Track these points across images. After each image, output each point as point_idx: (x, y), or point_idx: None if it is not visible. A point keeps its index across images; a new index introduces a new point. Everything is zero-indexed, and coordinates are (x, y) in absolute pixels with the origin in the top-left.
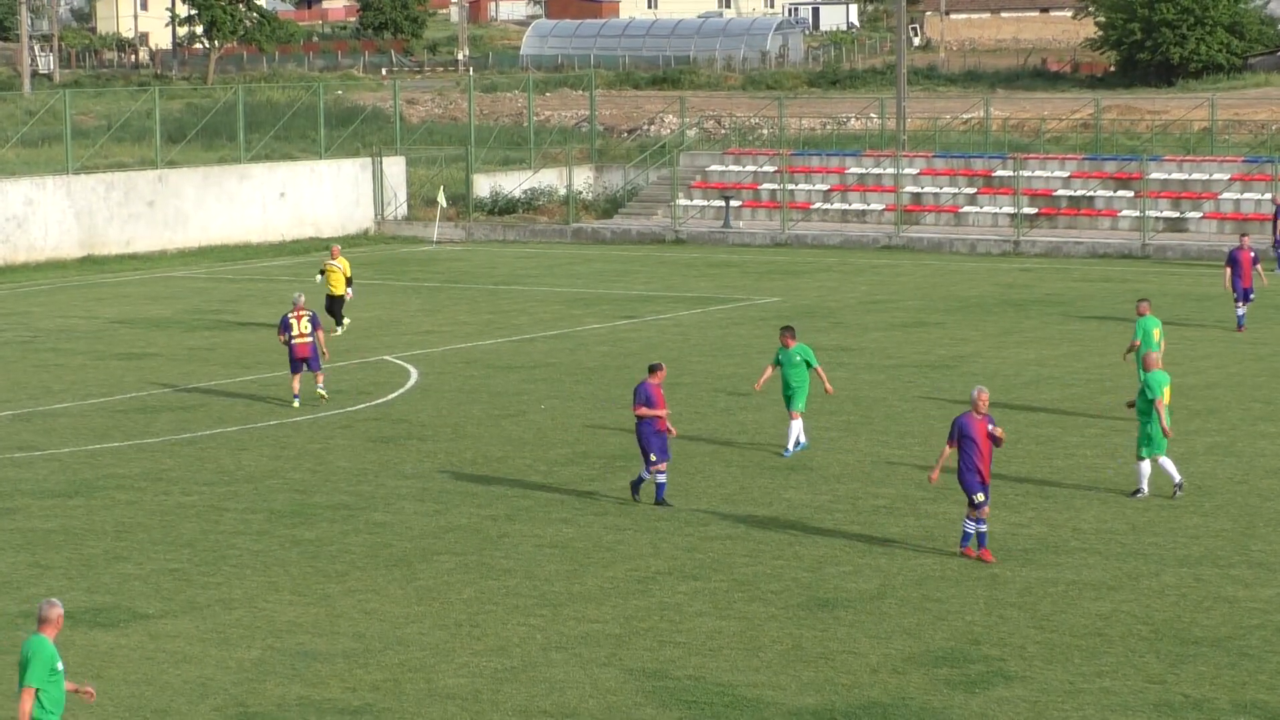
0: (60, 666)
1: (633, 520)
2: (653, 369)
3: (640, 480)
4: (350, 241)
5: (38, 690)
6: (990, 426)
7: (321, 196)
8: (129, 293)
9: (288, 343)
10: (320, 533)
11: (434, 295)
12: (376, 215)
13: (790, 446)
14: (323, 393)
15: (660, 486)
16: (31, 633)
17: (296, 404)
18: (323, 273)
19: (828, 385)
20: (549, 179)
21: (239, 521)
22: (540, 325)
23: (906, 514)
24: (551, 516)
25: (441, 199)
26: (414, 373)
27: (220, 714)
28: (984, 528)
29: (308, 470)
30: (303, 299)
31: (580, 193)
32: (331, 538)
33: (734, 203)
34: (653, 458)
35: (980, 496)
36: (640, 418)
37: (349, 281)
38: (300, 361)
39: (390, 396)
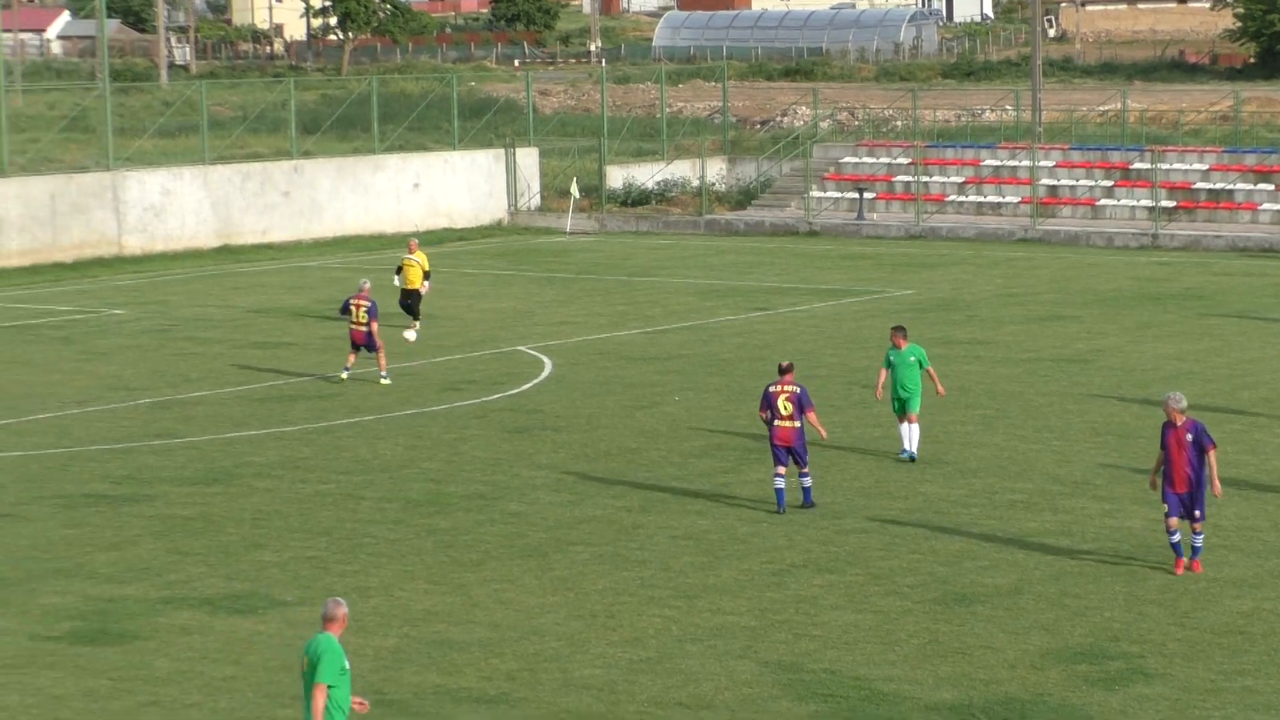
0: (348, 666)
1: (767, 513)
2: (787, 369)
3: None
4: (483, 233)
5: (330, 687)
6: (1190, 436)
7: (455, 187)
8: (265, 282)
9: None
10: (455, 522)
11: (567, 286)
12: (510, 206)
13: (911, 446)
14: (385, 380)
15: (805, 492)
16: (316, 632)
17: (344, 375)
18: (399, 270)
19: (939, 387)
20: (682, 170)
21: (375, 510)
22: (673, 317)
23: (1044, 509)
24: (686, 508)
25: (575, 190)
26: (548, 363)
27: None
28: (1198, 541)
29: (443, 460)
30: (368, 286)
31: (713, 184)
32: (467, 527)
33: (868, 195)
34: (781, 471)
35: (1166, 508)
36: (778, 427)
37: (427, 275)
38: (355, 345)
39: (524, 387)
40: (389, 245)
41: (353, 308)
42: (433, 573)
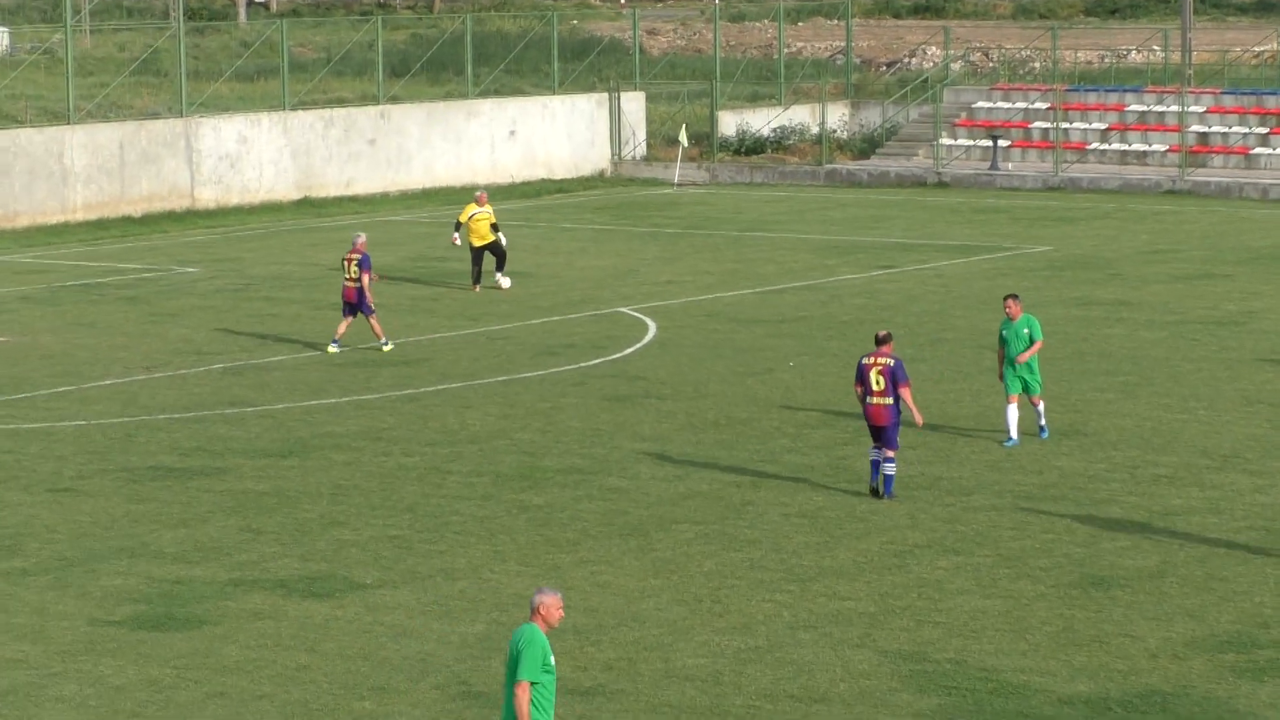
0: (553, 661)
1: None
2: (884, 339)
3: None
4: (584, 184)
5: (532, 684)
6: None
7: (554, 135)
8: (348, 238)
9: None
10: (550, 498)
11: (674, 242)
12: (613, 155)
13: (1042, 421)
14: (388, 347)
15: (886, 480)
16: (523, 621)
17: (332, 349)
18: (458, 226)
19: (1026, 356)
20: (800, 116)
21: (463, 485)
22: (789, 275)
23: (1190, 484)
24: (800, 484)
25: (683, 138)
26: (651, 326)
27: (442, 692)
28: None
29: (537, 430)
30: (362, 239)
31: (834, 131)
32: (562, 504)
33: (1002, 143)
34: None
35: None
36: (869, 404)
37: (495, 228)
38: (349, 305)
39: (626, 351)
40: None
41: (345, 263)
42: (524, 553)
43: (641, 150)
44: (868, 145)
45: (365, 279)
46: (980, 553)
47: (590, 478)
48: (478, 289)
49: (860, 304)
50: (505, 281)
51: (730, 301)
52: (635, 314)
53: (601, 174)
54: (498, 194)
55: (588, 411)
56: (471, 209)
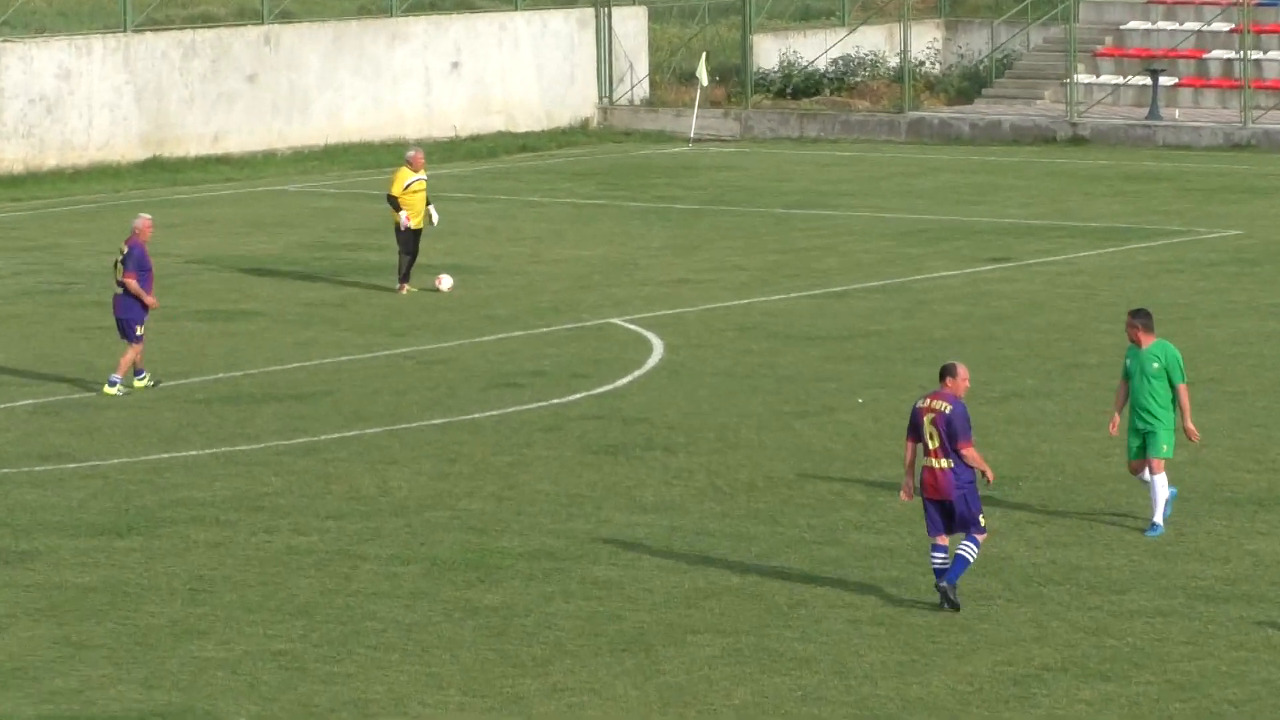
0: None
1: (1003, 581)
2: (945, 372)
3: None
4: (559, 139)
5: None
6: None
7: (516, 69)
8: (216, 216)
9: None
10: (508, 596)
11: (689, 223)
12: (601, 98)
13: (1158, 517)
14: (114, 388)
15: (956, 561)
16: None
17: (113, 389)
18: (395, 201)
19: (1189, 424)
20: (872, 42)
21: (382, 578)
22: (856, 272)
23: None
24: (874, 574)
25: (703, 73)
26: (657, 345)
27: None
28: None
29: (490, 497)
30: (143, 222)
31: (922, 64)
32: (526, 605)
33: (1165, 80)
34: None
35: None
36: (926, 467)
37: (426, 201)
38: (120, 324)
39: (620, 382)
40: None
41: (117, 263)
42: (472, 678)
43: (643, 91)
44: (970, 84)
45: (132, 282)
46: (1140, 678)
47: (567, 566)
48: (405, 289)
49: (960, 313)
50: (446, 281)
51: (771, 309)
52: (633, 327)
53: (585, 125)
54: (434, 155)
55: (564, 469)
56: (404, 175)
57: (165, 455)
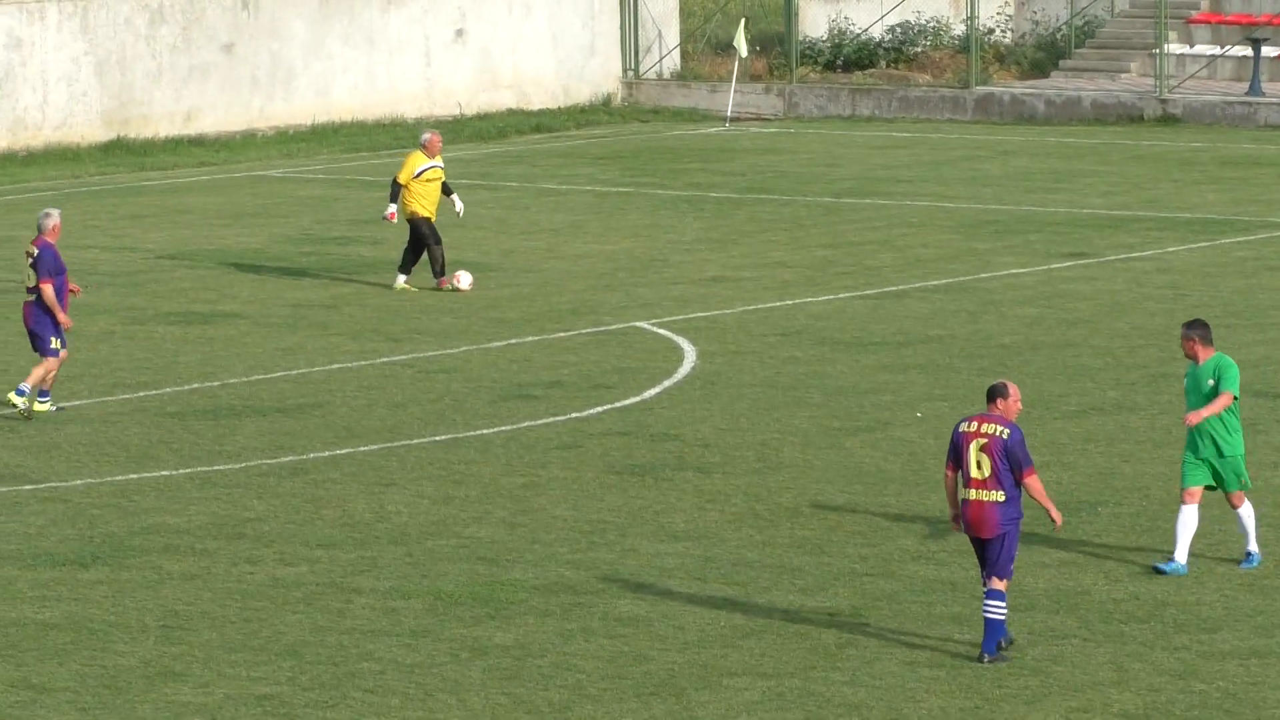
0: None
1: (1080, 618)
2: (995, 392)
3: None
4: (578, 117)
5: None
6: None
7: (529, 38)
8: (189, 205)
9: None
10: (522, 635)
11: (725, 214)
12: (626, 71)
13: (1252, 545)
14: (19, 406)
15: (987, 630)
16: None
17: (15, 402)
18: (396, 190)
19: (1195, 418)
20: (934, 7)
21: (380, 613)
22: (916, 269)
23: None
24: (934, 611)
25: (741, 42)
26: (689, 352)
27: None
28: None
29: (501, 522)
30: (51, 220)
31: (991, 32)
32: (542, 644)
33: (1268, 50)
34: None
35: None
36: (965, 500)
37: (449, 188)
38: (32, 337)
39: (648, 394)
40: (411, 139)
41: (27, 267)
42: None
43: (673, 63)
44: (1046, 55)
45: (48, 289)
46: None
47: (587, 601)
48: (446, 285)
49: (1033, 316)
50: (466, 279)
51: (819, 312)
52: (662, 332)
53: (607, 102)
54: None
55: (584, 492)
56: (418, 161)
57: (134, 476)
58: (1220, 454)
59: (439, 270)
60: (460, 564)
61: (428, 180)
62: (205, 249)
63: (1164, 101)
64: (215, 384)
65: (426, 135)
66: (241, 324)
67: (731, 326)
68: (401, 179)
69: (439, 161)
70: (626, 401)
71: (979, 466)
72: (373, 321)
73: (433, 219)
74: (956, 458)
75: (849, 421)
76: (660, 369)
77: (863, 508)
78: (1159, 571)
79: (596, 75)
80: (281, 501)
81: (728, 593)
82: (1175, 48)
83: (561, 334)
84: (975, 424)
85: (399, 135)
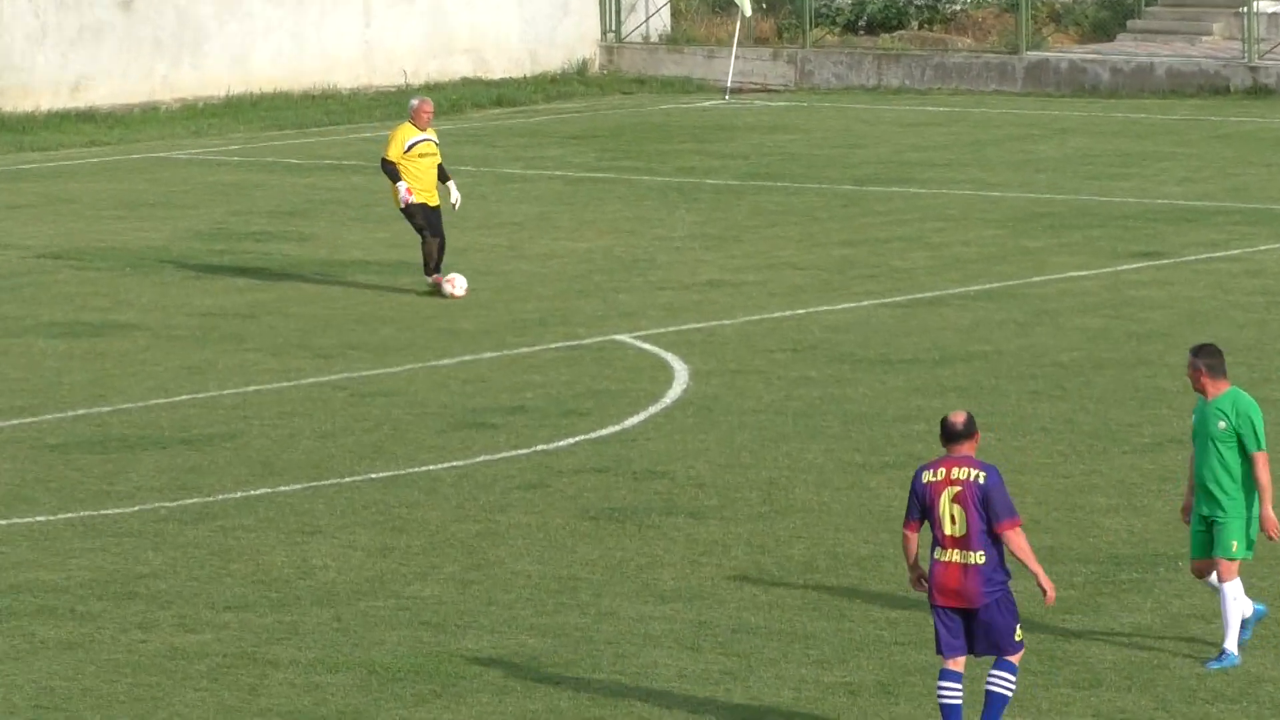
0: None
1: (1155, 697)
2: (955, 429)
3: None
4: (548, 89)
5: None
6: None
7: None
8: (77, 193)
9: None
10: (476, 715)
11: (725, 204)
12: (604, 33)
13: (1230, 643)
14: None
15: (989, 704)
16: None
17: None
18: (392, 169)
19: (1270, 519)
20: None
21: (302, 690)
22: (954, 271)
23: None
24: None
25: (744, 0)
26: (680, 371)
27: None
28: None
29: (452, 579)
30: None
31: None
32: None
33: None
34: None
35: None
36: (939, 563)
37: (443, 171)
38: None
39: (630, 422)
40: (343, 114)
41: None
42: None
43: (662, 24)
44: (1111, 15)
45: None
46: None
47: (555, 676)
48: (439, 281)
49: (1096, 328)
50: (460, 284)
51: (837, 322)
52: (647, 347)
53: (582, 70)
54: (375, 110)
55: (552, 542)
56: (407, 134)
57: (2, 522)
58: (1213, 510)
59: (432, 266)
60: (400, 630)
61: (420, 156)
62: (96, 246)
63: (1254, 70)
64: (105, 409)
65: (415, 102)
66: (139, 337)
67: (731, 340)
68: (391, 155)
69: (432, 135)
70: (604, 431)
71: (952, 522)
72: (298, 334)
73: (430, 203)
74: (922, 513)
75: (873, 456)
76: (645, 392)
77: (891, 560)
78: (1214, 668)
79: (570, 38)
80: (183, 553)
81: (726, 665)
82: (1268, 5)
83: (526, 349)
84: (942, 470)
85: (331, 110)
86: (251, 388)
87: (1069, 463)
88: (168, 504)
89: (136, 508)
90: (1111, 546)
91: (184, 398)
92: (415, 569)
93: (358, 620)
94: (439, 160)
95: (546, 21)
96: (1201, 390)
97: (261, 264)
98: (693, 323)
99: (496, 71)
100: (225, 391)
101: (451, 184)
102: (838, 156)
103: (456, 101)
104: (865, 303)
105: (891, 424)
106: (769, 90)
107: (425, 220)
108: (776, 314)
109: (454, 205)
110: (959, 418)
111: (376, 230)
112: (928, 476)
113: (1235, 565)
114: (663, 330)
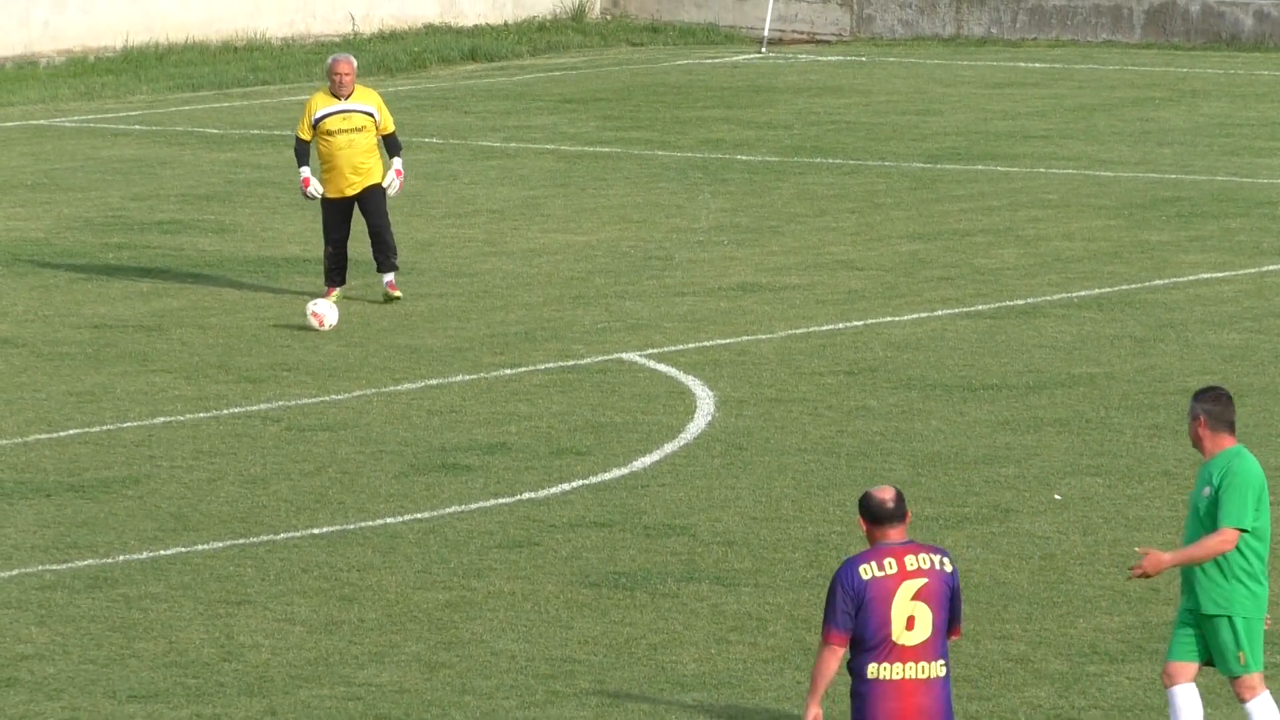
0: None
1: None
2: (884, 509)
3: None
4: (535, 39)
5: None
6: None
7: None
8: None
9: None
10: None
11: (759, 186)
12: None
13: None
14: None
15: None
16: None
17: None
18: (304, 149)
19: (1155, 558)
20: None
21: None
22: (1054, 272)
23: None
24: None
25: None
26: (703, 398)
27: None
28: None
29: (416, 660)
30: None
31: None
32: None
33: None
34: None
35: None
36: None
37: (396, 145)
38: None
39: (639, 464)
40: (279, 71)
41: None
42: None
43: None
44: None
45: None
46: None
47: None
48: (334, 294)
49: (1235, 345)
50: (328, 313)
51: (903, 338)
52: (662, 368)
53: (579, 14)
54: (317, 65)
55: (542, 614)
56: (318, 103)
57: None
58: (1203, 609)
59: (330, 277)
60: None
61: (331, 134)
62: None
63: None
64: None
65: (333, 59)
66: (15, 355)
67: (769, 360)
68: (302, 132)
69: (358, 104)
70: (607, 475)
71: (910, 626)
72: (218, 352)
73: (344, 194)
74: (861, 619)
75: (950, 507)
76: (659, 425)
77: (970, 638)
78: None
79: None
80: (75, 629)
81: None
82: None
83: (507, 371)
84: (891, 561)
85: (259, 65)
86: (159, 420)
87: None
88: (55, 567)
89: (15, 571)
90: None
91: (73, 432)
92: (369, 648)
93: (297, 713)
94: (369, 137)
95: None
96: (1198, 446)
97: (171, 262)
98: (720, 338)
99: (469, 16)
100: (126, 425)
101: (395, 162)
102: (905, 126)
103: (418, 55)
104: (940, 313)
105: (972, 467)
106: (817, 41)
107: (333, 221)
108: (827, 327)
109: (390, 189)
110: (888, 494)
111: (316, 220)
112: (870, 571)
113: (1256, 678)
114: (682, 347)
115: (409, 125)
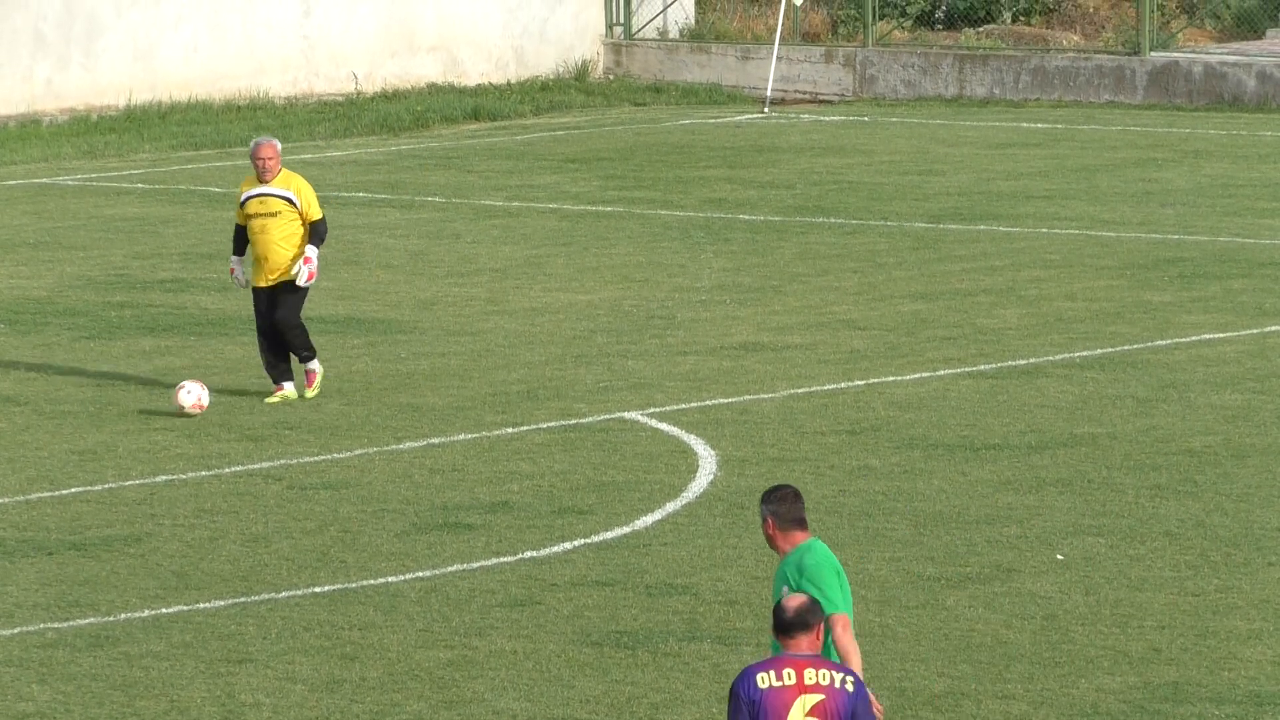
0: None
1: None
2: (795, 620)
3: None
4: (537, 97)
5: None
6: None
7: None
8: None
9: None
10: None
11: (762, 246)
12: (610, 27)
13: None
14: None
15: None
16: None
17: None
18: (241, 237)
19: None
20: None
21: None
22: (1056, 332)
23: None
24: None
25: None
26: (706, 457)
27: None
28: None
29: (417, 718)
30: None
31: None
32: None
33: None
34: None
35: None
36: None
37: (317, 234)
38: None
39: (642, 522)
40: (282, 130)
41: None
42: None
43: (683, 15)
44: (1259, 5)
45: None
46: None
47: None
48: (281, 392)
49: (1238, 406)
50: (192, 396)
51: (906, 398)
52: (664, 427)
53: (582, 74)
54: (319, 125)
55: (543, 673)
56: (248, 185)
57: None
58: None
59: (272, 374)
60: None
61: (248, 218)
62: None
63: None
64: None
65: (258, 141)
66: (17, 414)
67: (771, 419)
68: (238, 216)
69: (275, 189)
70: (609, 534)
71: None
72: (221, 411)
73: (266, 282)
74: None
75: (952, 567)
76: (661, 484)
77: (971, 697)
78: None
79: (566, 33)
80: (76, 688)
81: None
82: None
83: (509, 430)
84: (790, 672)
85: (262, 124)
86: (161, 478)
87: (1200, 577)
88: (56, 625)
89: (17, 629)
90: (1253, 682)
91: (75, 490)
92: (370, 707)
93: None
94: (287, 224)
95: (536, 10)
96: (773, 546)
97: (173, 320)
98: (722, 397)
99: (472, 76)
100: (128, 483)
101: (310, 251)
102: (908, 186)
103: (421, 114)
104: (942, 372)
105: (974, 527)
106: (820, 101)
107: (259, 309)
108: (829, 386)
109: (300, 281)
110: (798, 602)
111: (320, 279)
112: (767, 680)
113: None
114: (684, 406)
115: (411, 184)
